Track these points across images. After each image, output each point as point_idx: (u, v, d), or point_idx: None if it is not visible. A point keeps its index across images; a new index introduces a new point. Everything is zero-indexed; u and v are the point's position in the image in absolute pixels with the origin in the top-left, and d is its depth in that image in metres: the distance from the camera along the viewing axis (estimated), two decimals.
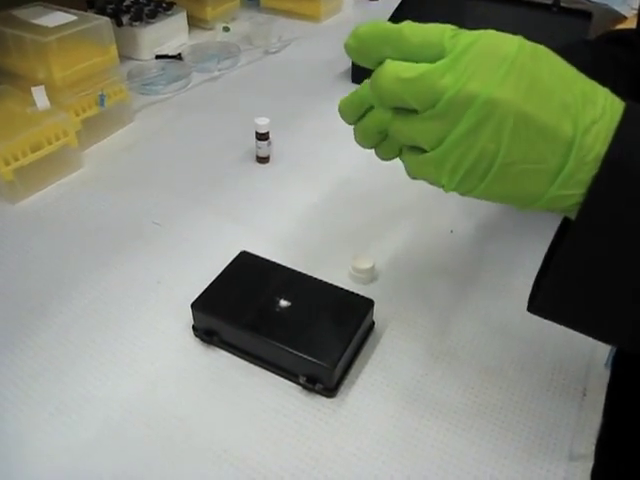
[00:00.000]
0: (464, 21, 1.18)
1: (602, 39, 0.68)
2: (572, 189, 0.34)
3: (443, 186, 0.38)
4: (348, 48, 0.39)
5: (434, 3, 1.21)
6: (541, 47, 0.35)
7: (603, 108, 0.34)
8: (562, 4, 1.13)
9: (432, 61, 0.35)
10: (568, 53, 0.63)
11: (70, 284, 0.66)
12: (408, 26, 0.36)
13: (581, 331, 0.42)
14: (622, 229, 0.34)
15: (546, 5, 1.14)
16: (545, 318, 0.42)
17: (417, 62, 0.36)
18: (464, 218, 0.74)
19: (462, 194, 0.38)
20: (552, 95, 0.34)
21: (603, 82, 0.58)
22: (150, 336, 0.60)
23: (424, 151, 0.38)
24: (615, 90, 0.49)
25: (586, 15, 1.10)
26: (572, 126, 0.34)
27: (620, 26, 1.29)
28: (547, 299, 0.40)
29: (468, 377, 0.57)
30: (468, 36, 0.35)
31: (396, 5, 1.20)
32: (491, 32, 0.35)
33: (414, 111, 0.37)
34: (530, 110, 0.33)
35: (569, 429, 0.52)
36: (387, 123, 0.39)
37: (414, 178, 0.41)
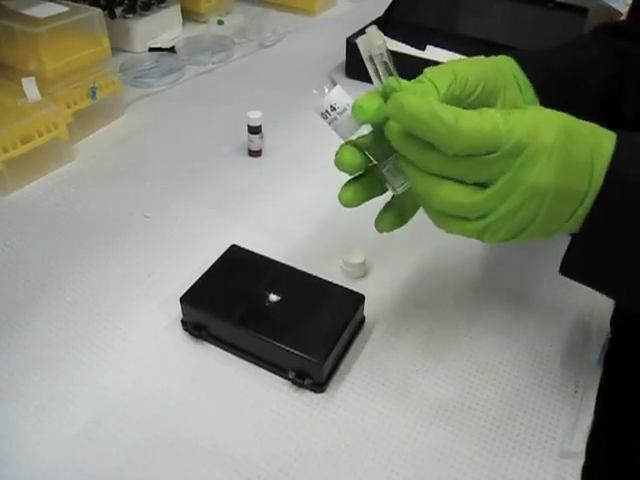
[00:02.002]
0: (460, 16, 1.18)
1: (599, 32, 0.68)
2: (580, 222, 0.41)
3: (482, 240, 0.43)
4: (392, 118, 0.42)
5: None
6: (573, 120, 0.41)
7: (607, 152, 0.40)
8: (557, 0, 1.13)
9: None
10: (574, 49, 0.63)
11: (59, 277, 0.66)
12: (466, 123, 0.38)
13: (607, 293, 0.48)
14: (618, 225, 0.41)
15: (542, 0, 1.14)
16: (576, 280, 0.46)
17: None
18: None
19: (495, 242, 0.43)
20: (578, 161, 0.40)
21: (614, 77, 0.59)
22: (139, 330, 0.60)
23: (464, 217, 0.42)
24: (624, 84, 0.57)
25: (581, 11, 1.10)
26: (588, 181, 0.40)
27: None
28: (576, 264, 0.45)
29: (459, 374, 0.56)
30: (516, 128, 0.39)
31: None
32: (532, 119, 0.39)
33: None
34: (563, 185, 0.39)
35: (560, 426, 0.52)
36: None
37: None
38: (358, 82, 1.07)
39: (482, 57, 0.56)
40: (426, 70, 0.51)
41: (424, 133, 0.39)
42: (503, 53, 0.58)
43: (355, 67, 1.08)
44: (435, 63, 1.00)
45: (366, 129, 0.47)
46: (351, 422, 0.52)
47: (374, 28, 0.45)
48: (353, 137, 0.47)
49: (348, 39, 1.07)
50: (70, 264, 0.67)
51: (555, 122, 0.40)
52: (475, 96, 0.51)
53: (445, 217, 0.43)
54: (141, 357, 0.57)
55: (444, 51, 1.09)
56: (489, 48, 1.05)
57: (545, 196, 0.39)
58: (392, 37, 1.13)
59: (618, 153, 0.40)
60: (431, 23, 1.15)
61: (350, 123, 0.46)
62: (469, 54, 1.07)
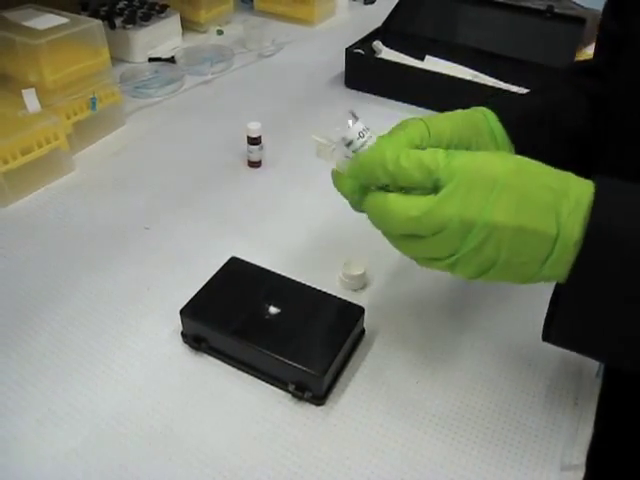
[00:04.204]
0: (458, 26, 1.18)
1: (570, 72, 0.70)
2: (559, 269, 0.40)
3: (455, 275, 0.43)
4: (349, 171, 0.45)
5: (428, 7, 1.22)
6: (526, 160, 0.41)
7: (576, 198, 0.39)
8: (556, 10, 1.14)
9: (427, 188, 0.41)
10: (546, 92, 0.65)
11: (58, 289, 0.66)
12: (405, 158, 0.41)
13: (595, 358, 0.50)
14: (604, 281, 0.40)
15: (540, 11, 1.15)
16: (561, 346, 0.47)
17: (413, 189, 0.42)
18: None
19: (470, 279, 0.43)
20: (537, 201, 0.39)
21: (585, 117, 0.60)
22: (138, 342, 0.60)
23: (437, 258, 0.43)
24: (593, 125, 0.57)
25: (579, 21, 1.10)
26: (555, 224, 0.39)
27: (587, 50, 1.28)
28: (558, 335, 0.45)
29: (459, 386, 0.56)
30: (459, 164, 0.40)
31: (390, 9, 1.20)
32: (479, 157, 0.41)
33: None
34: (522, 222, 0.39)
35: (560, 439, 0.52)
36: (394, 240, 0.44)
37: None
38: (358, 92, 1.07)
39: (458, 111, 0.58)
40: (401, 122, 0.52)
41: (375, 176, 0.42)
42: (482, 102, 0.61)
43: (354, 77, 1.08)
44: (434, 73, 1.01)
45: None
46: (351, 434, 0.52)
47: (352, 120, 0.47)
48: None
49: (347, 49, 1.07)
50: (69, 276, 0.68)
51: (504, 160, 0.40)
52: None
53: (420, 259, 0.45)
54: (141, 369, 0.57)
55: (443, 61, 1.10)
56: (487, 58, 1.06)
57: (502, 234, 0.39)
58: (391, 47, 1.13)
59: (597, 204, 0.39)
60: (430, 33, 1.15)
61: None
62: (467, 64, 1.08)
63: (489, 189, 0.39)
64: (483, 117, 0.58)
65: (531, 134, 0.58)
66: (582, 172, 0.62)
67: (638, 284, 0.39)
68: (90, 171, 0.86)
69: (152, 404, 0.54)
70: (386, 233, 0.44)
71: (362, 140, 0.47)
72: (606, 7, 0.66)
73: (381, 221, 0.43)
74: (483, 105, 0.60)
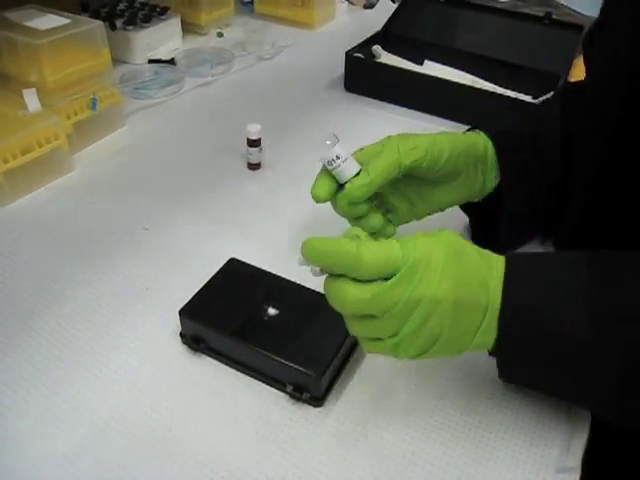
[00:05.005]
0: (457, 31, 1.19)
1: (567, 93, 0.74)
2: (489, 335, 0.46)
3: (398, 357, 0.47)
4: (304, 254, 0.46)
5: (428, 12, 1.22)
6: (460, 242, 0.46)
7: (498, 272, 0.45)
8: (554, 17, 1.14)
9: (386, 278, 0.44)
10: (549, 108, 0.69)
11: (57, 289, 0.66)
12: (367, 253, 0.43)
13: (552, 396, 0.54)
14: (525, 346, 0.46)
15: (538, 17, 1.15)
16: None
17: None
18: (460, 230, 0.74)
19: (411, 359, 0.47)
20: (473, 278, 0.45)
21: (586, 133, 0.62)
22: (137, 342, 0.60)
23: (378, 338, 0.46)
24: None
25: (577, 28, 1.11)
26: (486, 295, 0.45)
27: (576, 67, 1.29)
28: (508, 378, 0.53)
29: (456, 389, 0.57)
30: (412, 256, 0.43)
31: (390, 13, 1.21)
32: (426, 245, 0.44)
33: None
34: (462, 297, 0.44)
35: (556, 442, 0.52)
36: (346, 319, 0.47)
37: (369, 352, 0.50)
38: (357, 96, 1.08)
39: (460, 135, 0.61)
40: (384, 139, 0.58)
41: (335, 265, 0.45)
42: (483, 123, 0.65)
43: (353, 81, 1.08)
44: (432, 78, 1.01)
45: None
46: (349, 436, 0.52)
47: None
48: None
49: (347, 53, 1.07)
50: (68, 276, 0.68)
51: (443, 245, 0.45)
52: (443, 172, 0.58)
53: (363, 339, 0.48)
54: (139, 369, 0.57)
55: (442, 66, 1.10)
56: (486, 63, 1.07)
57: (445, 308, 0.43)
58: (390, 52, 1.14)
59: (509, 276, 0.45)
60: (429, 38, 1.16)
61: (349, 169, 0.56)
62: (466, 69, 1.09)
63: (434, 272, 0.43)
64: (483, 147, 0.61)
65: (516, 165, 0.62)
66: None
67: (551, 347, 0.45)
68: (90, 171, 0.86)
69: (150, 404, 0.54)
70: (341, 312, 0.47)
71: (338, 163, 0.55)
72: (585, 35, 0.68)
73: (334, 303, 0.46)
74: (488, 128, 0.63)
